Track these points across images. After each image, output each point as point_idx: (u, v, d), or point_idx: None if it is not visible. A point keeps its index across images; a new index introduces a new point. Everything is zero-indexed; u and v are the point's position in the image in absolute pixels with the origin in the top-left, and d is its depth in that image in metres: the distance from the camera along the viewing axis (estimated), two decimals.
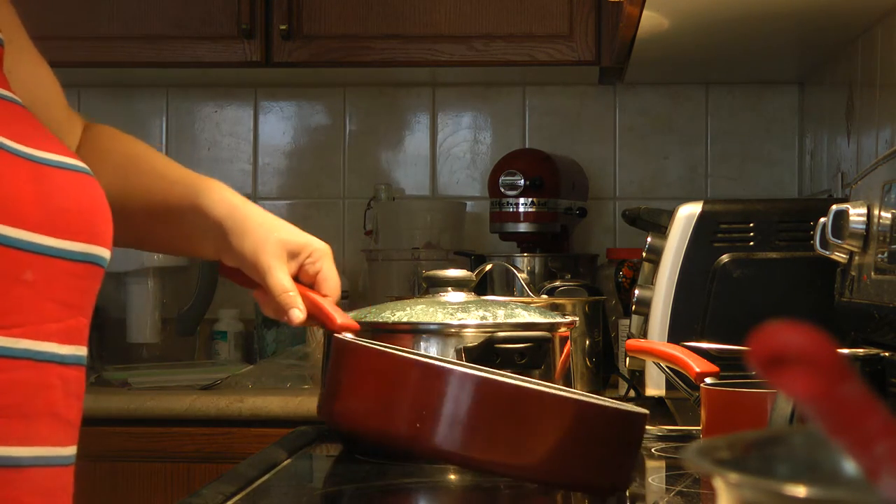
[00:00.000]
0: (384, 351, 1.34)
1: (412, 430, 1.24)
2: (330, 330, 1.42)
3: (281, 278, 1.42)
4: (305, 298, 1.43)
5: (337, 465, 1.68)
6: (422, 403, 1.24)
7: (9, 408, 1.05)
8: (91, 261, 1.13)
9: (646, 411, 1.32)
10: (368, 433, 1.33)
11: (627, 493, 1.49)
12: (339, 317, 1.43)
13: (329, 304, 1.44)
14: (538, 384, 1.44)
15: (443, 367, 1.29)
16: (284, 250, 1.43)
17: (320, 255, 1.46)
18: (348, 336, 1.40)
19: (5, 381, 1.05)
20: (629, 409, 1.32)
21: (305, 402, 2.44)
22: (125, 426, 2.51)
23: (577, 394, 1.41)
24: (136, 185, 1.42)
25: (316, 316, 1.43)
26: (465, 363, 1.32)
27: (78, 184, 1.14)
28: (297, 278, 1.45)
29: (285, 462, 1.64)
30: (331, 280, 1.46)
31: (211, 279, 3.04)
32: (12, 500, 1.06)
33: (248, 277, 1.44)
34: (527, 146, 3.22)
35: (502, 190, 2.96)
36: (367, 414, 1.30)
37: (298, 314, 1.41)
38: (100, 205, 1.15)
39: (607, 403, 1.31)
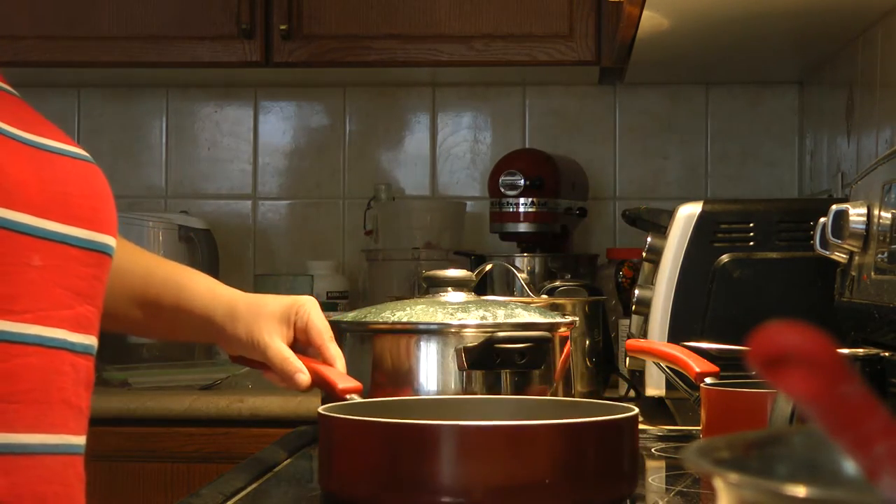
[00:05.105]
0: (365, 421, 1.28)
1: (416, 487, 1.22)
2: (334, 395, 1.46)
3: (279, 349, 1.49)
4: (309, 367, 1.49)
5: None
6: (415, 464, 1.21)
7: (20, 394, 1.05)
8: (98, 249, 1.13)
9: (633, 410, 1.29)
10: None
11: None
12: (341, 381, 1.47)
13: (330, 371, 1.49)
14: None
15: (427, 426, 1.23)
16: (275, 321, 1.49)
17: (306, 308, 1.51)
18: (355, 397, 1.44)
19: (16, 367, 1.05)
20: (615, 416, 1.27)
21: (305, 402, 2.44)
22: (125, 426, 2.51)
23: (564, 404, 1.38)
24: (125, 285, 1.46)
25: (320, 383, 1.50)
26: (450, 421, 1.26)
27: (79, 171, 1.14)
28: (297, 347, 1.51)
29: (285, 462, 1.64)
30: (319, 325, 1.51)
31: None
32: (25, 487, 1.05)
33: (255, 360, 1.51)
34: (527, 146, 3.22)
35: (502, 190, 2.96)
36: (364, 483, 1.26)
37: (303, 377, 1.48)
38: (102, 192, 1.16)
39: (590, 419, 1.26)
